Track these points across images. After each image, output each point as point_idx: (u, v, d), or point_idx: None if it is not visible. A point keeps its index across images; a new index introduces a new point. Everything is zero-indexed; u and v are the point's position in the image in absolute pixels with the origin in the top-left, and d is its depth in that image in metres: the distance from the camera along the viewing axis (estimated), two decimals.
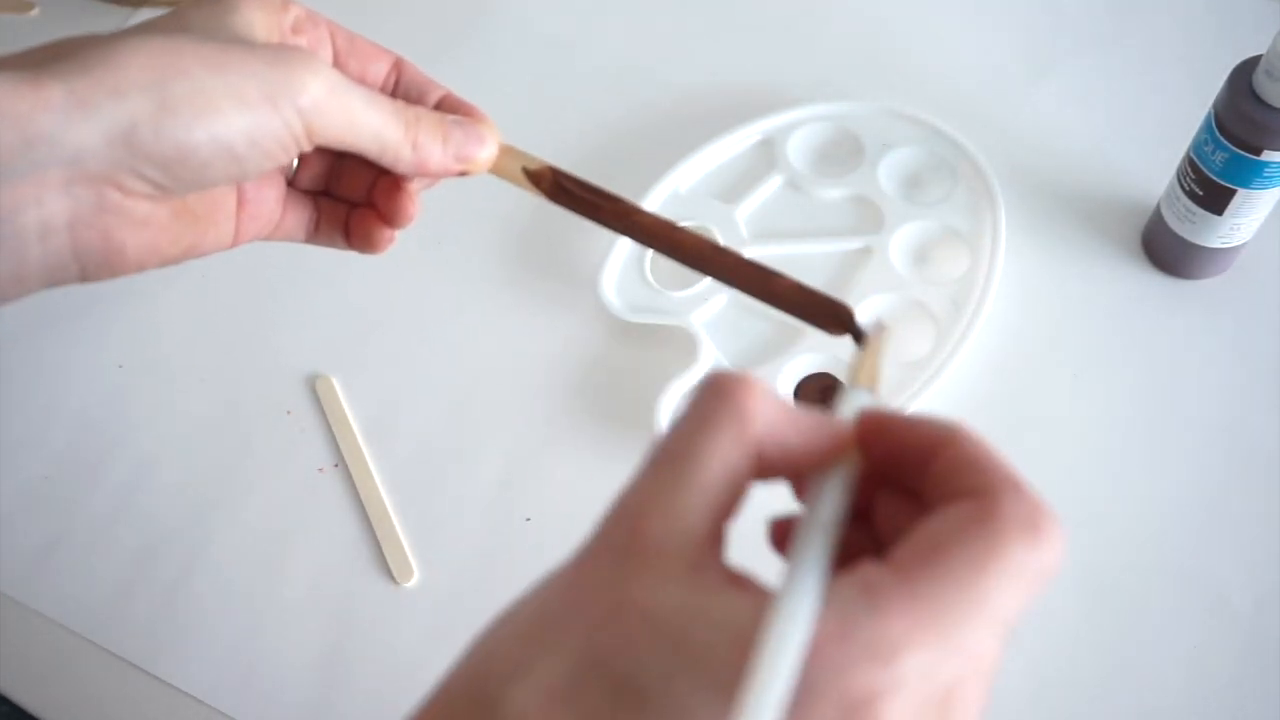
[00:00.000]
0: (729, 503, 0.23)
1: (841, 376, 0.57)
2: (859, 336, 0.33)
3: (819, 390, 0.57)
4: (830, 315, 0.35)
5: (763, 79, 0.70)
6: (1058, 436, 0.56)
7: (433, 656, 0.53)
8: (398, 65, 0.38)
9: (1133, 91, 0.68)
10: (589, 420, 0.58)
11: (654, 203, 0.63)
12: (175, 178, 0.29)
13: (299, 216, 0.38)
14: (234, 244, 0.36)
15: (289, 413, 0.59)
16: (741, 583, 0.22)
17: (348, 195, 0.39)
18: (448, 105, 0.38)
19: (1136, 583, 0.52)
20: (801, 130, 0.65)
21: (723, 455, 0.22)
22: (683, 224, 0.61)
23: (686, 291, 0.60)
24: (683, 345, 0.58)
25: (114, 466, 0.58)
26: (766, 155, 0.65)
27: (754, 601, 0.21)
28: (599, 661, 0.20)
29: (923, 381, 0.56)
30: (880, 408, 0.25)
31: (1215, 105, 0.54)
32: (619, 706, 0.20)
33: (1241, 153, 0.52)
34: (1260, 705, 0.49)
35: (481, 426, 0.58)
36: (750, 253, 0.62)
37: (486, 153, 0.36)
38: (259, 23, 0.32)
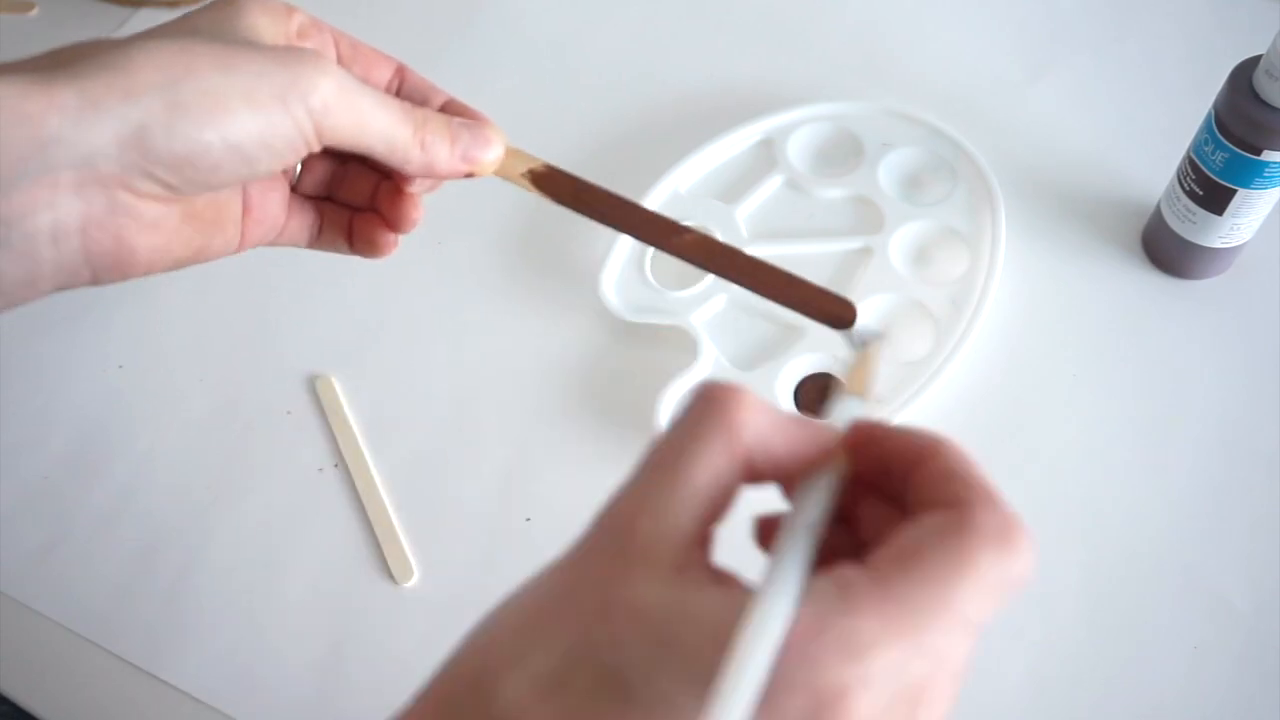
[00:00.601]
0: (716, 507, 0.24)
1: (841, 377, 0.57)
2: (857, 342, 0.34)
3: (819, 390, 0.57)
4: (833, 313, 0.35)
5: (763, 79, 0.70)
6: (1058, 436, 0.56)
7: (432, 656, 0.53)
8: (400, 71, 0.38)
9: (1133, 91, 0.68)
10: (589, 420, 0.58)
11: (654, 203, 0.63)
12: (186, 178, 0.30)
13: (302, 221, 0.38)
14: (240, 249, 0.36)
15: (289, 413, 0.59)
16: (725, 581, 0.23)
17: (351, 200, 0.39)
18: (451, 110, 0.38)
19: (1137, 583, 0.52)
20: (801, 130, 0.65)
21: (711, 463, 0.24)
22: (684, 224, 0.62)
23: (686, 291, 0.60)
24: (683, 345, 0.58)
25: (114, 466, 0.58)
26: (766, 155, 0.65)
27: (736, 599, 0.21)
28: (588, 654, 0.21)
29: (923, 381, 0.56)
30: (870, 418, 0.26)
31: (1215, 105, 0.54)
32: (604, 697, 0.21)
33: (1241, 153, 0.52)
34: (1260, 705, 0.49)
35: (481, 426, 0.58)
36: (751, 252, 0.62)
37: (493, 154, 0.36)
38: (265, 27, 0.32)
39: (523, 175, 0.37)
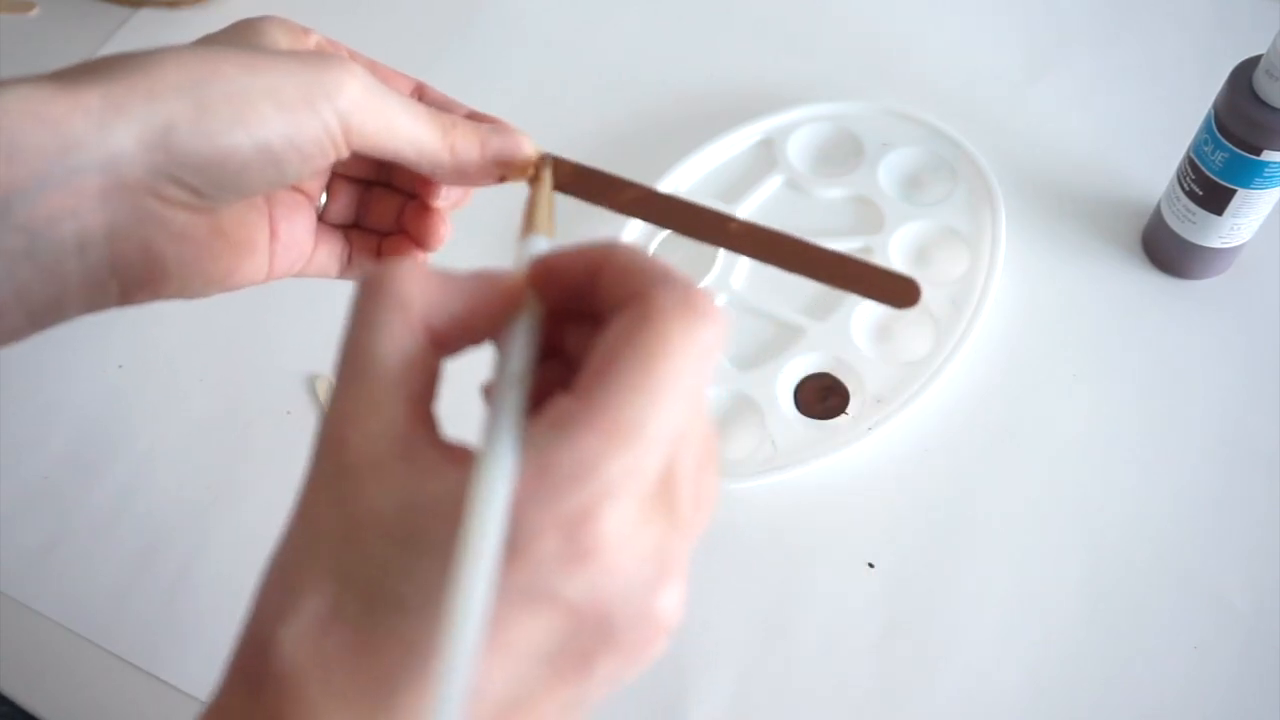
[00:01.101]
0: (421, 387, 0.24)
1: (842, 378, 0.57)
2: (530, 178, 0.33)
3: (818, 390, 0.57)
4: (897, 292, 0.32)
5: (763, 79, 0.70)
6: (1058, 436, 0.56)
7: None
8: (420, 88, 0.38)
9: (1133, 91, 0.68)
10: None
11: None
12: (213, 181, 0.29)
13: (331, 250, 0.38)
14: (269, 277, 0.36)
15: (289, 413, 0.59)
16: (458, 456, 0.23)
17: (378, 225, 0.39)
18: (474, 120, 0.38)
19: (1136, 583, 0.52)
20: (801, 130, 0.65)
21: (395, 346, 0.23)
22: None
23: None
24: None
25: (114, 466, 0.58)
26: (766, 155, 0.65)
27: (467, 472, 0.22)
28: (348, 581, 0.22)
29: (923, 381, 0.56)
30: (548, 252, 0.25)
31: (1215, 105, 0.54)
32: (379, 614, 0.21)
33: (1241, 153, 0.52)
34: (1260, 705, 0.49)
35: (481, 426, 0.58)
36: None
37: (524, 154, 0.35)
38: (284, 43, 0.33)
39: (552, 174, 0.35)
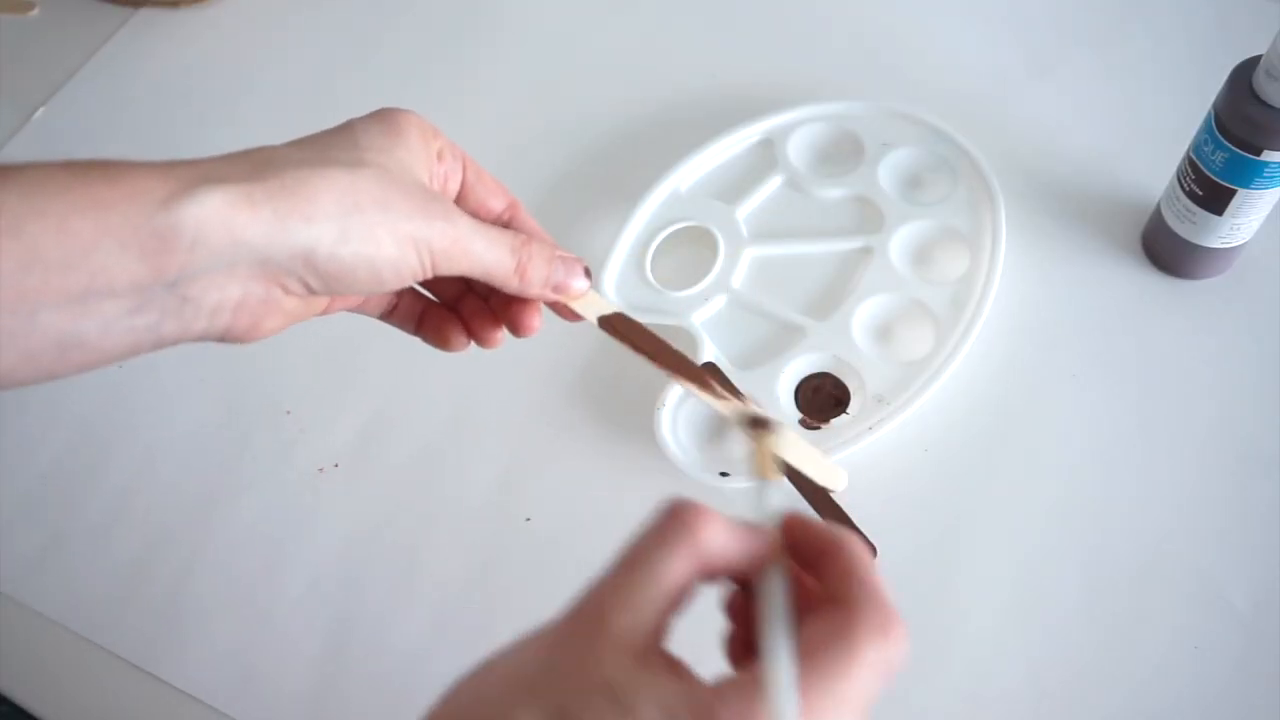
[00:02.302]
0: (676, 604, 0.29)
1: (842, 377, 0.57)
2: (757, 425, 0.37)
3: (818, 390, 0.57)
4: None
5: (763, 79, 0.70)
6: (1057, 436, 0.56)
7: (433, 657, 0.53)
8: (513, 206, 0.42)
9: (1133, 91, 0.68)
10: (589, 420, 0.58)
11: (654, 203, 0.63)
12: (328, 286, 0.36)
13: (409, 310, 0.43)
14: (326, 312, 0.41)
15: (289, 412, 0.59)
16: (676, 668, 0.28)
17: (439, 294, 0.44)
18: None
19: (1136, 583, 0.52)
20: (801, 130, 0.65)
21: (677, 571, 0.29)
22: (683, 225, 0.62)
23: (687, 291, 0.60)
24: (683, 345, 0.58)
25: (114, 466, 0.58)
26: (766, 155, 0.65)
27: (683, 686, 0.27)
28: (565, 717, 0.26)
29: (923, 381, 0.56)
30: (797, 515, 0.32)
31: (1215, 105, 0.54)
32: None
33: (1241, 153, 0.52)
34: (1260, 705, 0.49)
35: (481, 426, 0.58)
36: (751, 251, 0.62)
37: (579, 284, 0.41)
38: (416, 147, 0.38)
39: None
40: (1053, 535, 0.53)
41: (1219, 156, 0.53)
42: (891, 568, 0.52)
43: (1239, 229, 0.57)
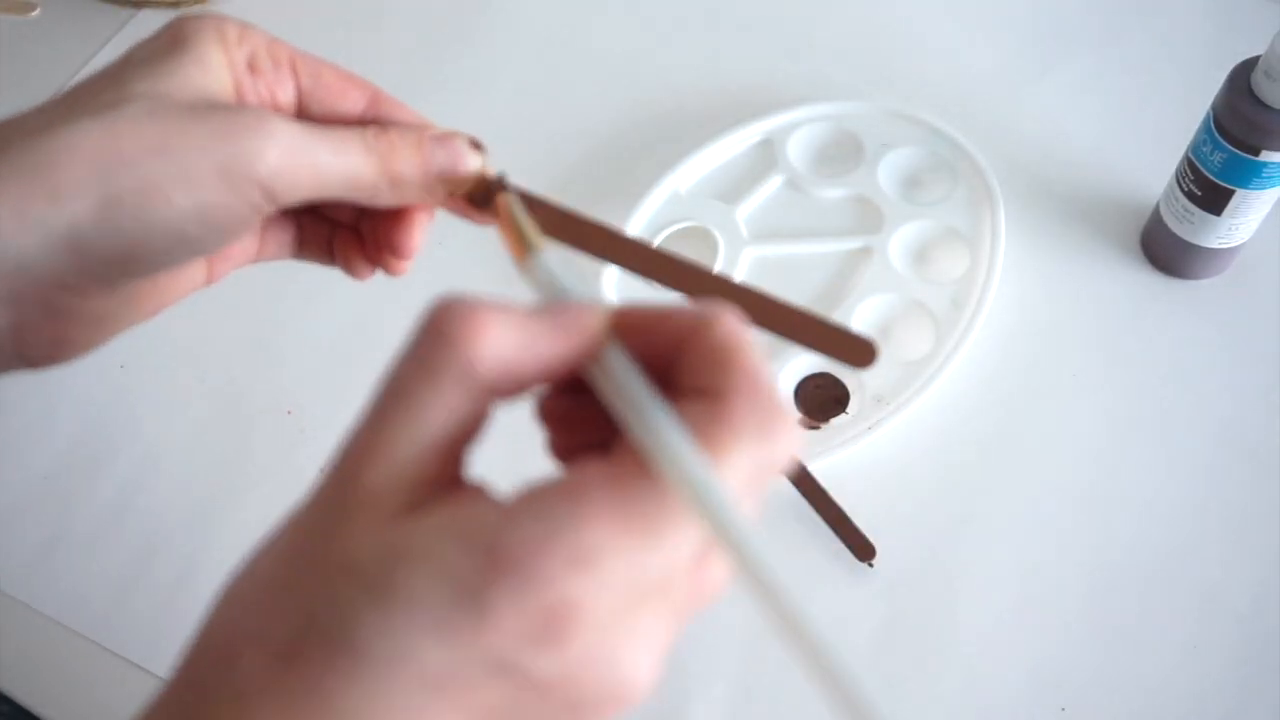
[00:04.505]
0: (457, 441, 0.23)
1: (842, 377, 0.57)
2: (485, 200, 0.30)
3: (818, 389, 0.57)
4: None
5: (763, 79, 0.70)
6: (1057, 436, 0.56)
7: None
8: (373, 100, 0.33)
9: (1133, 91, 0.68)
10: None
11: (654, 203, 0.63)
12: (127, 271, 0.28)
13: (280, 240, 0.35)
14: (209, 282, 0.34)
15: (289, 412, 0.59)
16: (461, 499, 0.22)
17: (334, 214, 0.36)
18: None
19: (1136, 583, 0.52)
20: (801, 130, 0.65)
21: (445, 404, 0.22)
22: (683, 225, 0.62)
23: None
24: None
25: (114, 466, 0.58)
26: (766, 155, 0.65)
27: (457, 516, 0.21)
28: (315, 620, 0.21)
29: (923, 381, 0.56)
30: (634, 305, 0.24)
31: (1214, 106, 0.54)
32: (337, 661, 0.21)
33: (1240, 153, 0.52)
34: (1259, 705, 0.49)
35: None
36: (751, 251, 0.62)
37: (469, 162, 0.32)
38: (211, 58, 0.29)
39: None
40: (1052, 534, 0.53)
41: (1217, 157, 0.54)
42: (891, 567, 0.53)
43: (1237, 229, 0.57)
